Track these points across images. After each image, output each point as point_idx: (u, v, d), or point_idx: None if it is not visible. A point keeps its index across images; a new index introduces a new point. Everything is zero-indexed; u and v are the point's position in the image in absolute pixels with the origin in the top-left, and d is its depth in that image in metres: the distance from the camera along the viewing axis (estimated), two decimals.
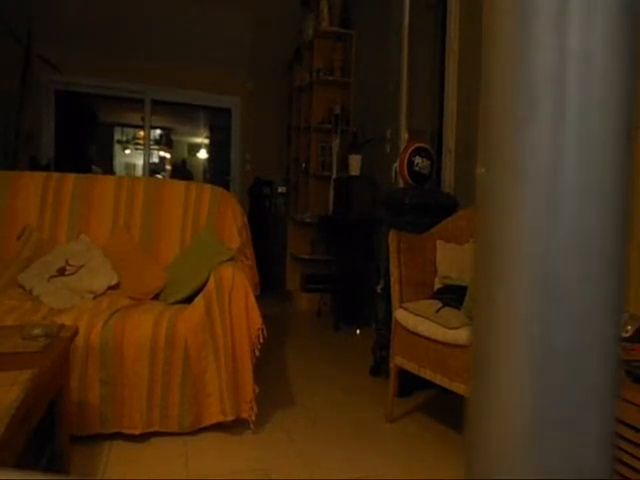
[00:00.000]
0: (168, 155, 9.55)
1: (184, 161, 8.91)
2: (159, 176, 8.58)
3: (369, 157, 3.78)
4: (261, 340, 1.87)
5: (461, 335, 1.70)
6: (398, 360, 1.99)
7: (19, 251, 2.25)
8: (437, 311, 1.88)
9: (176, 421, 1.79)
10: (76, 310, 1.88)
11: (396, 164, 2.72)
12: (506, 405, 0.19)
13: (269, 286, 4.27)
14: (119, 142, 9.25)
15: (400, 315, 1.97)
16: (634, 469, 1.12)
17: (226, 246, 2.37)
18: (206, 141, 8.91)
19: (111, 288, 2.19)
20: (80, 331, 1.67)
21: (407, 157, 2.55)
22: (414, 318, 1.89)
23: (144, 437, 1.78)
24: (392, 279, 2.07)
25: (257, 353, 1.87)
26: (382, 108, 3.70)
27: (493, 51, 0.20)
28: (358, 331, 3.52)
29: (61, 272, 2.14)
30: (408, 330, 1.92)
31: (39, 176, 2.47)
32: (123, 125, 9.00)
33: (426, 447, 1.85)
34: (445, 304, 1.92)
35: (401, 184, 2.73)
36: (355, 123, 4.18)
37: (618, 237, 0.19)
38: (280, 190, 5.26)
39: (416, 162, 2.54)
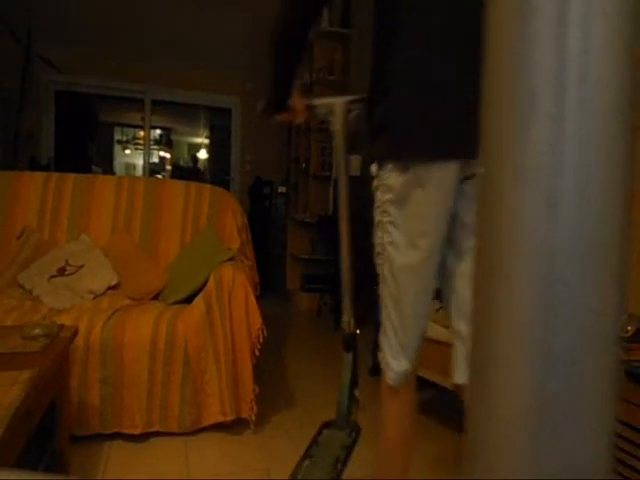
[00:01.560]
0: (168, 155, 9.55)
1: (195, 158, 8.79)
2: (159, 176, 8.58)
3: None
4: (261, 340, 1.87)
5: None
6: None
7: (19, 251, 2.25)
8: (437, 311, 1.88)
9: (176, 421, 1.79)
10: (76, 310, 1.88)
11: None
12: (506, 405, 0.19)
13: (269, 286, 4.27)
14: (119, 142, 9.25)
15: None
16: (634, 469, 1.12)
17: (226, 246, 2.37)
18: (206, 141, 8.91)
19: (111, 288, 2.19)
20: (80, 331, 1.67)
21: None
22: None
23: (144, 437, 1.78)
24: None
25: (257, 353, 1.87)
26: None
27: (493, 51, 0.20)
28: (358, 331, 3.52)
29: (61, 272, 2.14)
30: None
31: (39, 176, 2.47)
32: (123, 125, 9.00)
33: (426, 447, 1.84)
34: None
35: None
36: None
37: (618, 237, 0.19)
38: (280, 190, 5.26)
39: None
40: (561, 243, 0.18)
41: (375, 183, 1.01)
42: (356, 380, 1.26)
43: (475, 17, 0.82)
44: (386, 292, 1.04)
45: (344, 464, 1.10)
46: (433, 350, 1.81)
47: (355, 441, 1.20)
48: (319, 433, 1.22)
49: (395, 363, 1.05)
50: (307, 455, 1.14)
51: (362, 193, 3.76)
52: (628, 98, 0.18)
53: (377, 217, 1.03)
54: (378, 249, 1.04)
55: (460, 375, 1.05)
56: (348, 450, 1.14)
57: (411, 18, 0.92)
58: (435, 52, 0.92)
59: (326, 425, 1.24)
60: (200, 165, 8.80)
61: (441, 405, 2.26)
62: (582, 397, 0.18)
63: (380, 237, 1.02)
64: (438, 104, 0.89)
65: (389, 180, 0.96)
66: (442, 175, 0.88)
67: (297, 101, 1.26)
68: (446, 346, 1.76)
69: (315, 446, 1.17)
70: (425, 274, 0.99)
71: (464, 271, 0.99)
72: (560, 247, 0.18)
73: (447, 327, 1.76)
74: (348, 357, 1.27)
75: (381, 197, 0.99)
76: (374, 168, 0.99)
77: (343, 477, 1.12)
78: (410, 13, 0.93)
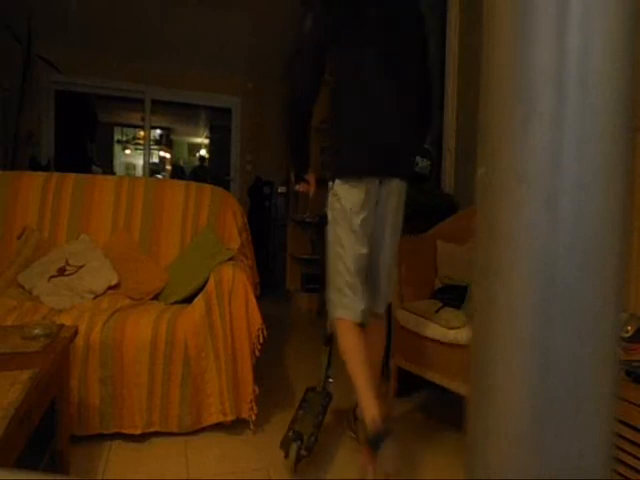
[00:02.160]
0: (168, 155, 9.54)
1: (202, 157, 8.69)
2: (159, 176, 8.57)
3: None
4: (261, 340, 1.87)
5: (461, 335, 1.70)
6: (398, 360, 1.99)
7: (19, 251, 2.25)
8: (437, 311, 1.88)
9: (176, 421, 1.79)
10: (76, 310, 1.88)
11: None
12: (506, 405, 0.19)
13: (269, 286, 4.27)
14: (119, 142, 9.25)
15: (400, 315, 1.97)
16: (634, 469, 1.12)
17: (226, 246, 2.37)
18: (206, 141, 8.91)
19: (111, 288, 2.19)
20: (80, 331, 1.67)
21: None
22: (414, 318, 1.89)
23: (144, 437, 1.78)
24: None
25: (257, 353, 1.87)
26: None
27: (493, 51, 0.20)
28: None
29: (61, 272, 2.14)
30: (408, 330, 1.92)
31: (39, 176, 2.47)
32: (123, 125, 8.99)
33: (426, 447, 1.84)
34: (445, 304, 1.92)
35: None
36: None
37: (617, 237, 0.19)
38: (280, 190, 5.26)
39: (416, 162, 2.54)
40: (560, 243, 0.18)
41: (330, 192, 1.61)
42: (330, 364, 1.87)
43: (401, 86, 1.51)
44: (329, 258, 1.63)
45: (323, 415, 1.73)
46: (433, 350, 1.81)
47: (329, 402, 1.79)
48: (306, 393, 1.82)
49: (350, 307, 1.58)
50: (301, 407, 1.73)
51: None
52: (628, 98, 0.18)
53: (329, 215, 1.62)
54: (329, 238, 1.62)
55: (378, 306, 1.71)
56: (324, 408, 1.76)
57: (344, 101, 1.57)
58: (364, 121, 1.52)
59: (311, 389, 1.83)
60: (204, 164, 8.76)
61: (441, 405, 2.26)
62: (582, 397, 0.18)
63: (329, 229, 1.62)
64: (362, 147, 1.53)
65: (337, 188, 1.57)
66: (367, 182, 1.53)
67: (311, 177, 1.89)
68: (446, 346, 1.76)
69: (305, 402, 1.75)
70: (359, 242, 1.57)
71: (380, 260, 1.67)
72: (559, 247, 0.18)
73: (451, 328, 1.76)
74: (327, 349, 1.88)
75: (332, 199, 1.59)
76: (330, 183, 1.61)
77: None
78: (343, 96, 1.58)
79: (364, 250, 1.56)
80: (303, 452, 1.55)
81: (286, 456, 1.56)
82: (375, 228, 1.61)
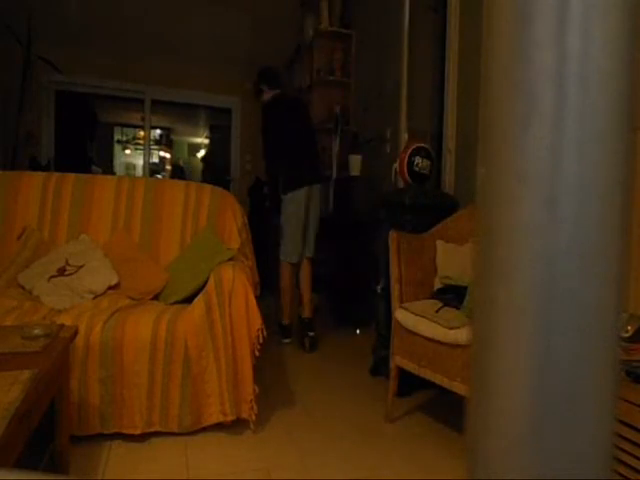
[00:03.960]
0: (168, 155, 9.54)
1: (206, 160, 8.60)
2: (159, 176, 8.56)
3: (369, 157, 3.78)
4: (261, 340, 1.87)
5: (461, 335, 1.70)
6: (398, 360, 1.99)
7: (19, 251, 2.25)
8: (437, 311, 1.88)
9: (176, 421, 1.79)
10: (76, 310, 1.88)
11: (396, 164, 2.72)
12: (506, 405, 0.19)
13: (269, 286, 4.27)
14: (119, 142, 9.24)
15: (400, 315, 1.97)
16: (634, 469, 1.12)
17: (226, 246, 2.37)
18: (206, 141, 8.90)
19: (111, 288, 2.19)
20: (80, 331, 1.67)
21: (407, 157, 2.55)
22: (414, 318, 1.89)
23: (144, 437, 1.78)
24: (392, 279, 2.07)
25: (257, 353, 1.87)
26: (382, 108, 3.70)
27: (493, 51, 0.20)
28: (358, 331, 3.52)
29: (61, 272, 2.14)
30: (408, 330, 1.92)
31: (39, 176, 2.47)
32: (123, 125, 8.98)
33: (426, 447, 1.85)
34: (445, 304, 1.92)
35: (401, 184, 2.73)
36: (355, 123, 4.18)
37: (618, 237, 0.19)
38: None
39: (416, 162, 2.54)
40: (561, 243, 0.18)
41: (283, 199, 3.10)
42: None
43: (307, 140, 3.36)
44: (286, 233, 3.12)
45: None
46: (433, 350, 1.81)
47: (316, 310, 3.26)
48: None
49: (293, 256, 3.12)
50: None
51: (362, 193, 3.74)
52: (628, 98, 0.18)
53: (282, 209, 3.13)
54: (282, 223, 3.14)
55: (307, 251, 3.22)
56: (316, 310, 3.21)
57: (280, 148, 3.13)
58: (290, 157, 3.13)
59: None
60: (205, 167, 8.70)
61: (441, 405, 2.26)
62: (582, 397, 0.18)
63: (282, 216, 3.13)
64: (295, 172, 3.11)
65: (286, 196, 3.08)
66: (301, 191, 3.06)
67: None
68: (446, 346, 1.76)
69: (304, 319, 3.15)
70: (297, 225, 3.09)
71: (309, 230, 3.17)
72: (560, 247, 0.18)
73: (451, 328, 1.76)
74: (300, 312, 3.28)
75: (283, 203, 3.11)
76: (283, 196, 3.10)
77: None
78: (280, 145, 3.14)
79: (300, 228, 3.08)
80: (312, 334, 3.04)
81: (303, 347, 3.03)
82: (309, 211, 3.09)
